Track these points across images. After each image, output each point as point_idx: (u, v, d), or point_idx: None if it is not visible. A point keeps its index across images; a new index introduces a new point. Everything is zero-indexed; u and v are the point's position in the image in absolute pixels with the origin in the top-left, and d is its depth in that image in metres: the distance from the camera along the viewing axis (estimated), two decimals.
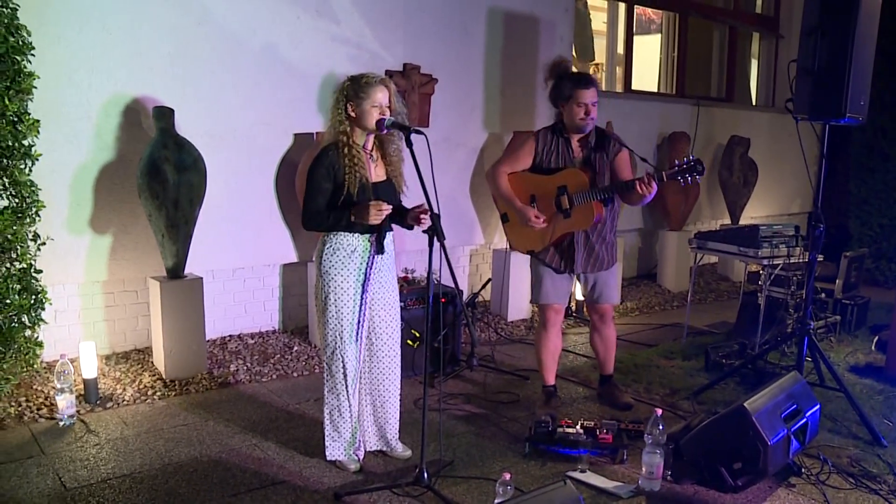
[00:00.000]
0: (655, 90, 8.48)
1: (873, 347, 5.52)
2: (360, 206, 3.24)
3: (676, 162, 3.79)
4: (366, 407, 3.57)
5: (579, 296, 6.08)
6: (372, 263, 3.40)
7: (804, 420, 3.48)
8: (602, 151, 4.02)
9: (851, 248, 7.88)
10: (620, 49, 8.00)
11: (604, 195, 3.92)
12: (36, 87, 3.96)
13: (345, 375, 3.39)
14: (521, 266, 6.16)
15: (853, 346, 5.62)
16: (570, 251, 4.06)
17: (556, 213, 4.01)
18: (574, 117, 3.96)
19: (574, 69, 4.13)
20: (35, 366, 4.09)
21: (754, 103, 9.43)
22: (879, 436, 3.91)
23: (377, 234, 3.37)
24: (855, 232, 8.45)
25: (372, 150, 3.41)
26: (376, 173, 3.40)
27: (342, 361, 3.37)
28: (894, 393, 4.61)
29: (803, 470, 3.55)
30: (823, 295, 5.75)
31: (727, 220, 8.28)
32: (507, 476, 2.99)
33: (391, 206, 3.30)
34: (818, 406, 3.66)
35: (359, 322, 3.40)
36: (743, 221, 8.19)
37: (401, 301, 3.68)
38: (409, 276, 5.11)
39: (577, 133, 4.02)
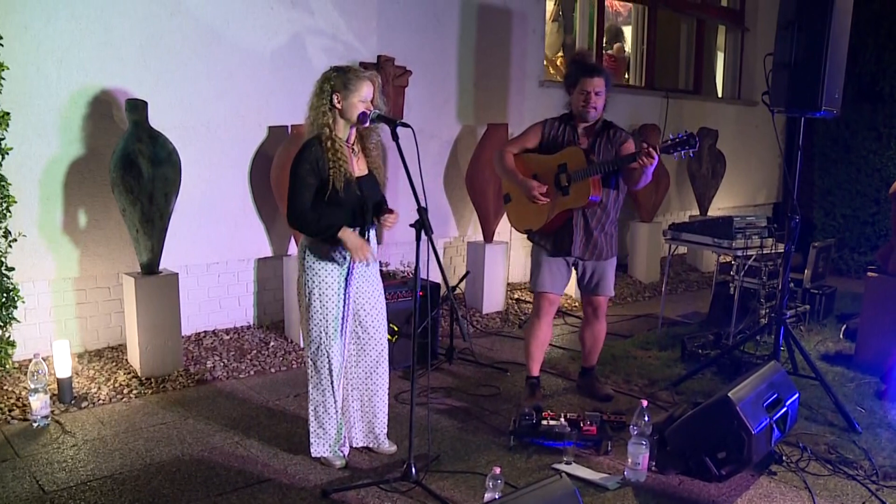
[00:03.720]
0: (625, 83, 8.53)
1: (841, 336, 5.65)
2: (352, 237, 3.23)
3: (671, 135, 3.78)
4: (353, 402, 3.54)
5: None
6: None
7: (785, 409, 3.54)
8: (607, 139, 4.03)
9: (816, 238, 8.04)
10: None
11: (601, 170, 3.88)
12: (4, 79, 3.84)
13: (330, 371, 3.35)
14: (496, 259, 6.17)
15: (822, 334, 5.73)
16: (568, 233, 4.06)
17: (556, 190, 4.01)
18: (576, 104, 4.01)
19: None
20: (7, 366, 3.99)
21: (720, 95, 9.55)
22: (854, 422, 3.99)
23: (360, 229, 3.34)
24: (819, 223, 8.63)
25: (353, 144, 3.37)
26: (358, 167, 3.36)
27: (327, 357, 3.33)
28: (865, 380, 4.71)
29: (784, 458, 3.61)
30: (792, 285, 5.84)
31: (696, 211, 8.37)
32: (497, 470, 2.98)
33: (376, 259, 3.39)
34: (797, 394, 3.73)
35: (343, 317, 3.37)
36: (711, 212, 8.29)
37: None
38: (384, 269, 5.08)
39: (582, 122, 4.05)
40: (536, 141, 4.15)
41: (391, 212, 3.36)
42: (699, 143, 3.73)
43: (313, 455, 3.48)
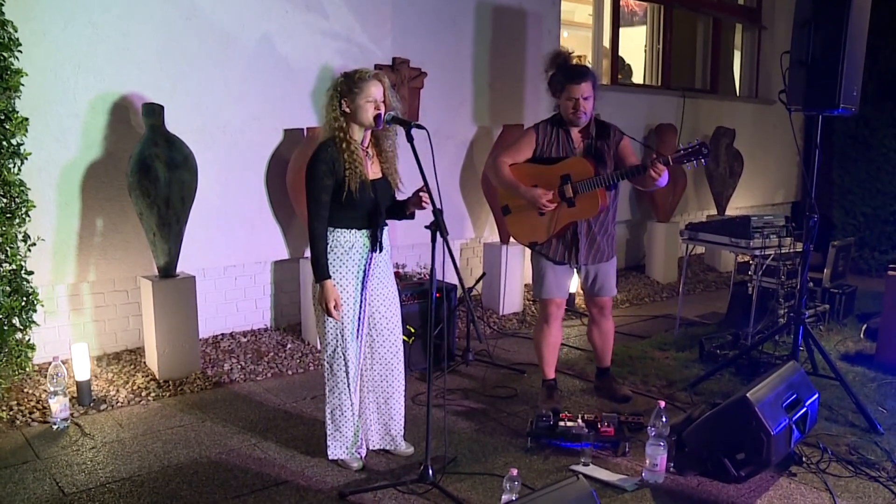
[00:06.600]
0: (641, 82, 8.49)
1: (862, 335, 5.59)
2: (328, 289, 3.23)
3: (681, 146, 3.75)
4: (369, 405, 3.54)
5: (572, 289, 6.07)
6: (371, 260, 3.36)
7: (804, 409, 3.50)
8: (603, 141, 3.98)
9: (835, 237, 7.95)
10: (606, 42, 8.00)
11: (610, 181, 3.84)
12: (23, 85, 3.88)
13: (346, 374, 3.36)
14: (514, 260, 6.16)
15: (842, 334, 5.67)
16: (574, 242, 4.02)
17: (560, 202, 3.95)
18: (566, 111, 3.93)
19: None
20: (27, 369, 4.02)
21: (737, 94, 9.48)
22: (876, 423, 3.94)
23: (372, 230, 3.34)
24: (838, 221, 8.53)
25: (368, 147, 3.38)
26: (373, 170, 3.36)
27: (344, 360, 3.34)
28: (887, 380, 4.65)
29: (804, 459, 3.57)
30: (812, 284, 5.79)
31: (713, 211, 8.32)
32: (514, 472, 2.98)
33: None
34: (817, 395, 3.68)
35: (359, 319, 3.37)
36: (728, 212, 8.24)
37: None
38: (401, 271, 5.08)
39: (573, 126, 3.99)
40: (531, 151, 4.03)
41: (422, 190, 3.28)
42: (710, 151, 3.70)
43: (330, 457, 3.49)
